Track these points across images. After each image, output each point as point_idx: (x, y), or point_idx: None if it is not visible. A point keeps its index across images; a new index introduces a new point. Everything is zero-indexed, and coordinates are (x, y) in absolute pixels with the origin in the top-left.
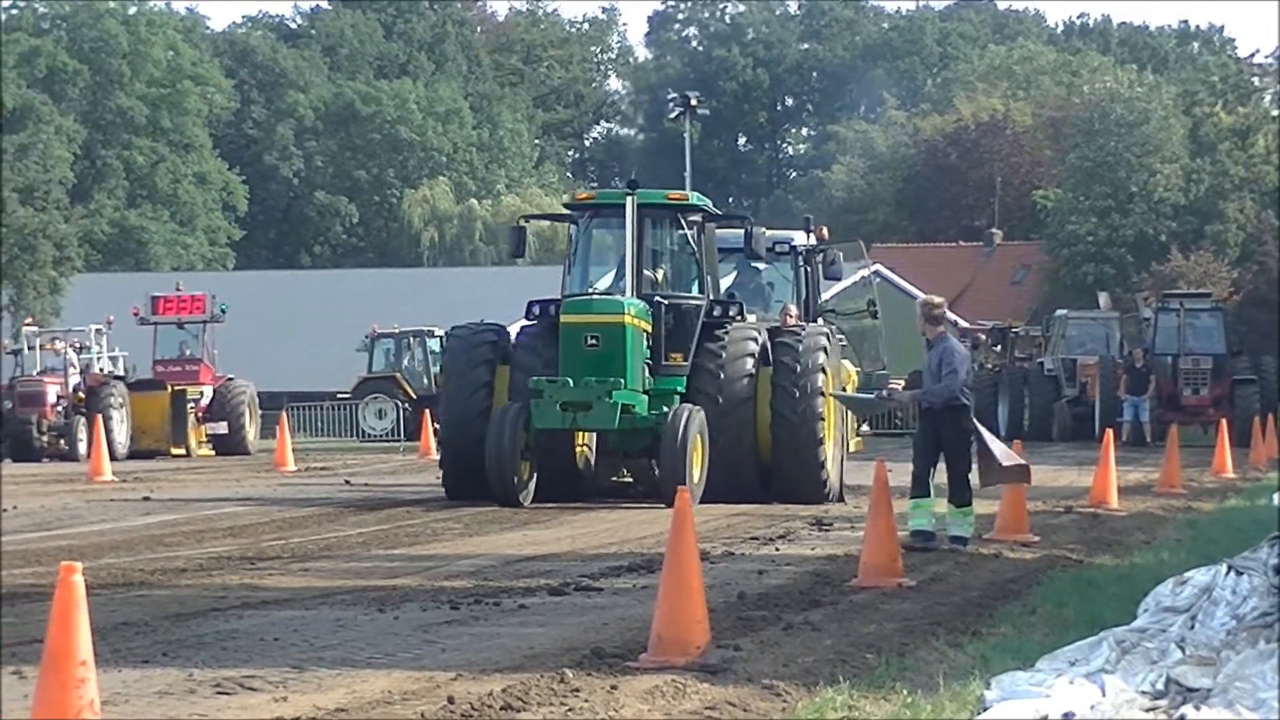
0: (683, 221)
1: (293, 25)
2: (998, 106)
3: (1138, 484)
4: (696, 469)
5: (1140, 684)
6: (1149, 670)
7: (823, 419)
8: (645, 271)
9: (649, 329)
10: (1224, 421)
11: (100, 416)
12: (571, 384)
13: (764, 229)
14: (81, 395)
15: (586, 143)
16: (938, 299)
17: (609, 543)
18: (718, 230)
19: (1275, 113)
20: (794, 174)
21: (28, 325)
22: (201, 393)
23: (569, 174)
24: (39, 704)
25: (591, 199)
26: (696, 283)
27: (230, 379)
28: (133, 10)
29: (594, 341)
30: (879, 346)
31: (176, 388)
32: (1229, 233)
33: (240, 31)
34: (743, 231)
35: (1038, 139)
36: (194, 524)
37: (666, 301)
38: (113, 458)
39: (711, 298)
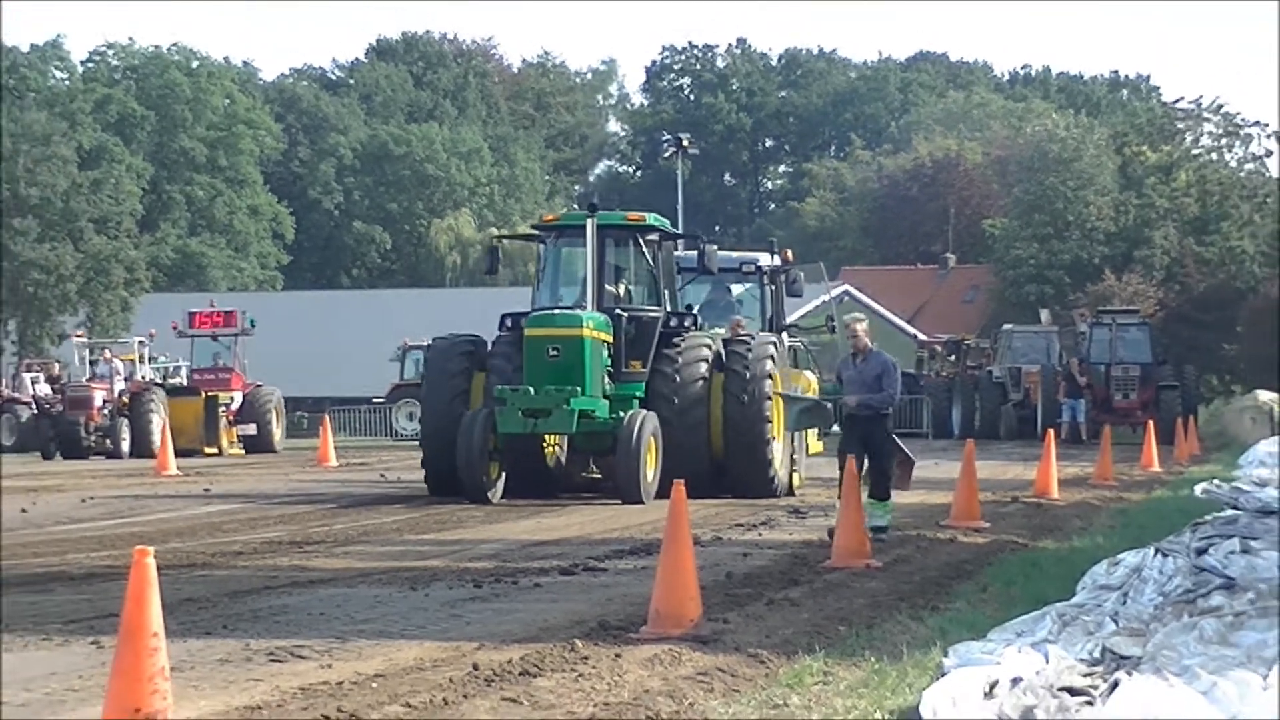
0: (641, 240)
1: (333, 76)
2: (952, 146)
3: (1075, 477)
4: (650, 469)
5: (1079, 652)
6: (1087, 640)
7: (770, 420)
8: (608, 286)
9: (609, 340)
10: (1151, 422)
11: (165, 419)
12: (533, 392)
13: (715, 247)
14: (125, 400)
15: (590, 178)
16: (863, 315)
17: (612, 529)
18: (693, 252)
19: (1195, 152)
20: (773, 206)
21: (77, 338)
22: (232, 398)
23: (575, 206)
24: (117, 670)
25: (557, 220)
26: (655, 296)
27: (259, 385)
28: (195, 64)
29: (555, 352)
30: (837, 358)
31: (209, 393)
32: (1155, 257)
33: (288, 81)
34: (698, 250)
35: (987, 175)
36: (248, 513)
37: (627, 314)
38: (150, 456)
39: (669, 310)
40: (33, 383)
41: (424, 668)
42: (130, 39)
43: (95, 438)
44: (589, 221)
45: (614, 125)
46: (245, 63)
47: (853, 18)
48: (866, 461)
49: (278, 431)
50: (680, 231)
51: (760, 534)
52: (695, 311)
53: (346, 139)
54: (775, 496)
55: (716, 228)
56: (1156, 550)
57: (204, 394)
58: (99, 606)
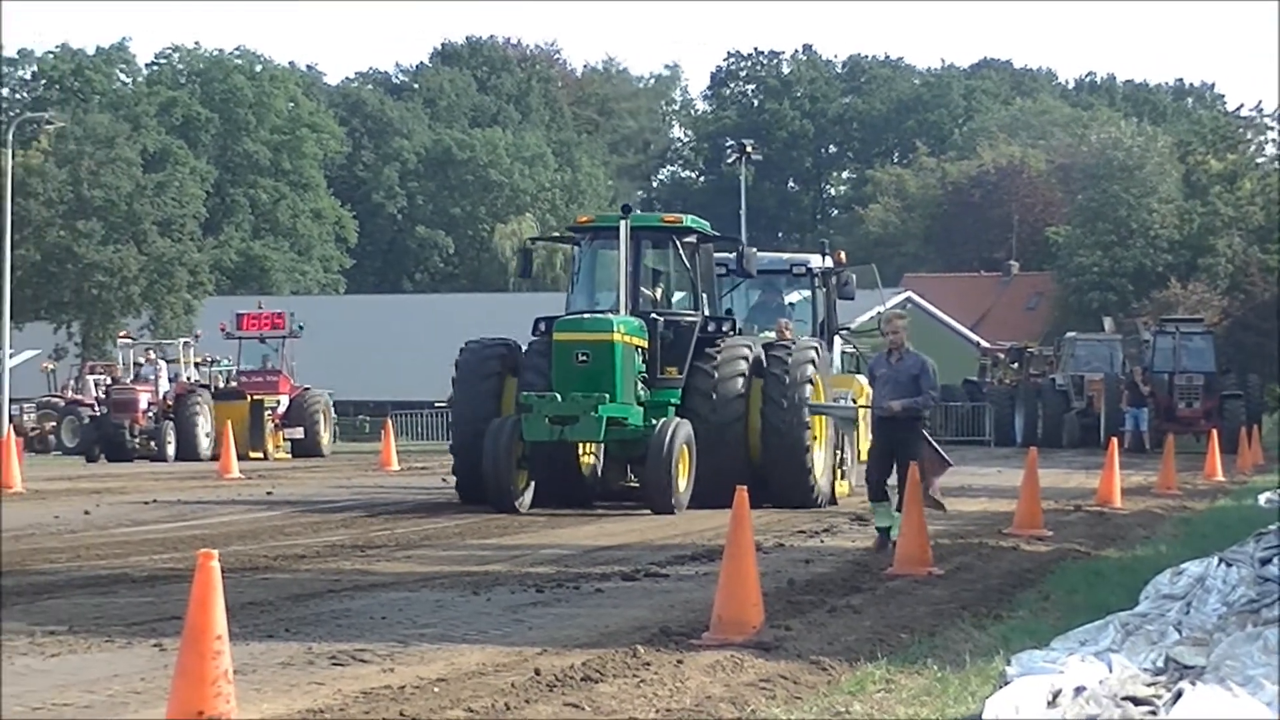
0: (678, 243)
1: (398, 80)
2: (1015, 153)
3: (1138, 486)
4: (682, 479)
5: (1142, 662)
6: (1150, 650)
7: (810, 428)
8: (645, 290)
9: (644, 345)
10: (1214, 431)
11: (226, 423)
12: (560, 399)
13: (755, 250)
14: (170, 402)
15: (654, 184)
16: (901, 313)
17: (674, 535)
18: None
19: (1259, 160)
20: (836, 212)
21: (122, 338)
22: (279, 401)
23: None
24: (180, 672)
25: (591, 222)
26: (694, 300)
27: (307, 389)
28: (258, 67)
29: (584, 358)
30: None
31: (255, 397)
32: (1219, 265)
33: (352, 85)
34: (737, 253)
35: (1050, 182)
36: (311, 516)
37: (663, 318)
38: (195, 459)
39: (707, 314)
40: (96, 385)
41: (486, 672)
42: (196, 43)
43: (140, 440)
44: (622, 223)
45: (677, 131)
46: (310, 67)
47: (917, 24)
48: (896, 466)
49: (325, 435)
50: (719, 234)
51: (822, 541)
52: (745, 316)
53: (410, 143)
54: (817, 506)
55: (779, 234)
56: (1220, 560)
57: (249, 397)
58: (162, 609)
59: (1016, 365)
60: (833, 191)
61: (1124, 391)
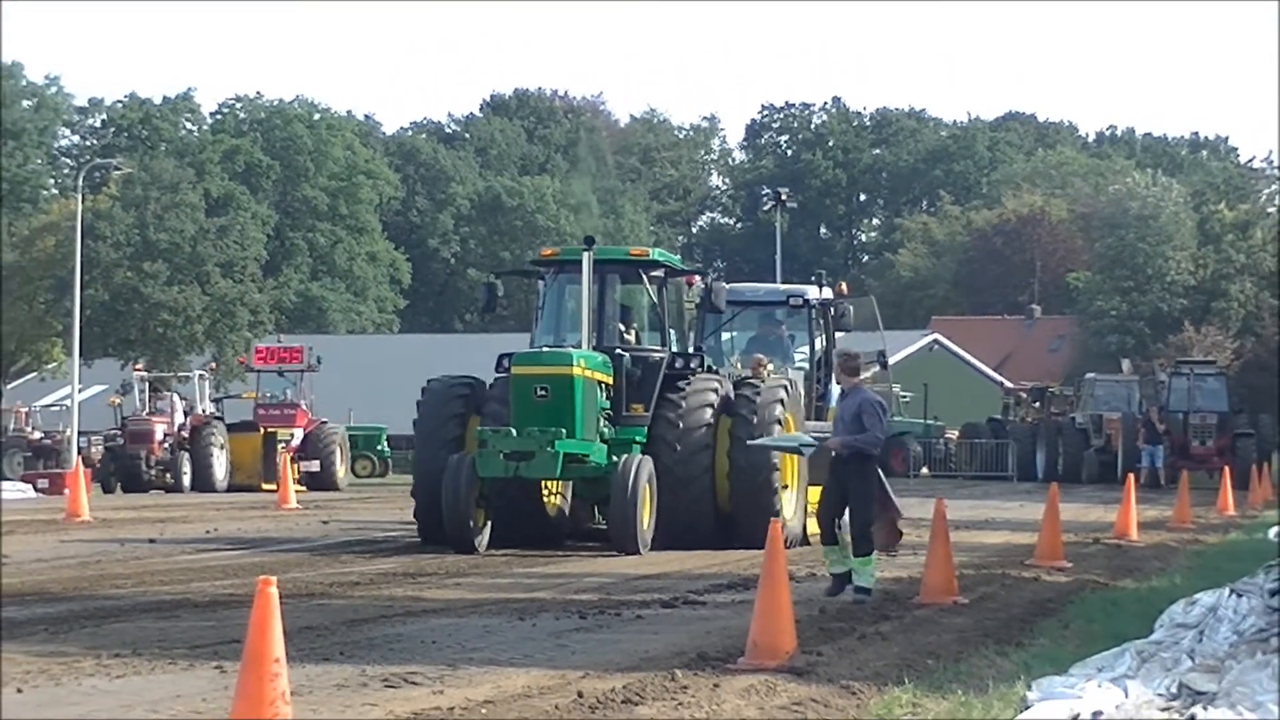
0: (644, 276)
1: (450, 130)
2: (1038, 202)
3: (1154, 520)
4: (646, 518)
5: (1157, 688)
6: (1164, 676)
7: (778, 468)
8: (618, 325)
9: (607, 380)
10: (1227, 468)
11: (284, 453)
12: (515, 434)
13: (724, 283)
14: (185, 434)
15: (693, 230)
16: (854, 351)
17: (711, 564)
18: (741, 285)
19: (1271, 209)
20: (866, 258)
21: (136, 370)
22: (292, 434)
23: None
24: (240, 693)
25: (556, 255)
26: (660, 336)
27: (324, 422)
28: (317, 117)
29: (543, 393)
30: (889, 394)
31: (269, 430)
32: (1232, 310)
33: (407, 134)
34: (705, 286)
35: (1071, 230)
36: (365, 545)
37: (628, 354)
38: (211, 490)
39: (674, 350)
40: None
41: (531, 695)
42: (258, 92)
43: (156, 472)
44: (585, 255)
45: (716, 179)
46: (367, 116)
47: (943, 78)
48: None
49: (341, 469)
50: (687, 267)
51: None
52: (744, 349)
53: (462, 190)
54: (787, 548)
55: (812, 278)
56: (1231, 590)
57: (263, 430)
58: (223, 633)
59: (1038, 404)
60: (863, 238)
61: (1141, 430)
